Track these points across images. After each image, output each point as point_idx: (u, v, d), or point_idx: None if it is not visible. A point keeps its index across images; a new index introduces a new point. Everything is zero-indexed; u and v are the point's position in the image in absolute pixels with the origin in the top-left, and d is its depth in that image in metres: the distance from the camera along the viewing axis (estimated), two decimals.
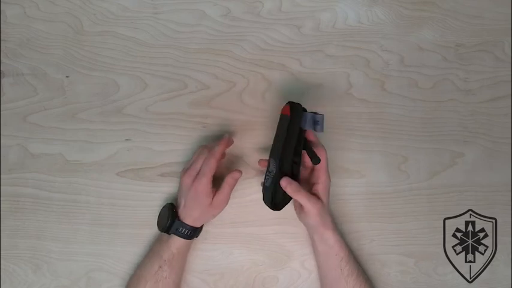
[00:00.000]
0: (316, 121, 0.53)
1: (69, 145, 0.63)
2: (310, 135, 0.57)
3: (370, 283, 0.61)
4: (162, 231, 0.57)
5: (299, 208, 0.57)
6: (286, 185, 0.53)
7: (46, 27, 0.64)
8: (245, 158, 0.63)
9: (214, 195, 0.56)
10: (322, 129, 0.53)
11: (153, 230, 0.62)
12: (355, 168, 0.64)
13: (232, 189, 0.57)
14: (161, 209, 0.60)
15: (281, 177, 0.53)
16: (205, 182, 0.55)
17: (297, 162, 0.55)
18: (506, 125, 0.65)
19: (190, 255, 0.62)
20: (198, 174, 0.56)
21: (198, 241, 0.62)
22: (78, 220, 0.62)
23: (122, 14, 0.64)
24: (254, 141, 0.64)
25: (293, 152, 0.54)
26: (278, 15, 0.65)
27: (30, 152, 0.63)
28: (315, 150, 0.55)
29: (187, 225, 0.56)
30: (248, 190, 0.63)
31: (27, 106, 0.63)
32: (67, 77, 0.64)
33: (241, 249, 0.63)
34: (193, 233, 0.57)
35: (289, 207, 0.63)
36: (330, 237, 0.56)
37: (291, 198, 0.55)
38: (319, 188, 0.55)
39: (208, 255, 0.63)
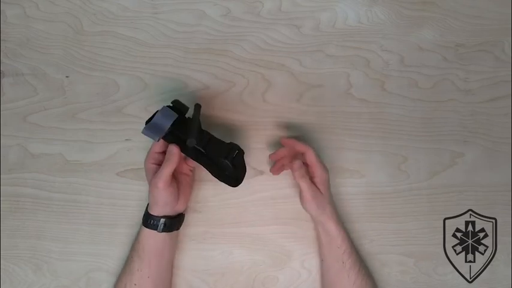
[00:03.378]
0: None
1: (69, 145, 0.63)
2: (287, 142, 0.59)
3: (372, 279, 0.61)
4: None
5: (300, 196, 0.58)
6: (298, 168, 0.55)
7: (46, 27, 0.64)
8: (245, 158, 0.63)
9: None
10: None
11: None
12: (355, 168, 0.64)
13: (171, 166, 0.53)
14: None
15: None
16: (147, 156, 0.57)
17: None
18: (506, 125, 0.65)
19: (191, 255, 0.62)
20: None
21: (198, 241, 0.62)
22: (78, 220, 0.62)
23: (122, 14, 0.64)
24: (254, 141, 0.64)
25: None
26: (278, 15, 0.65)
27: (30, 152, 0.63)
28: (299, 148, 0.57)
29: (150, 214, 0.56)
30: (248, 190, 0.63)
31: (27, 106, 0.63)
32: (67, 77, 0.64)
33: (241, 249, 0.63)
34: (154, 222, 0.55)
35: (290, 207, 0.63)
36: (332, 228, 0.57)
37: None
38: (316, 182, 0.57)
39: (208, 255, 0.63)
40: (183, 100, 0.55)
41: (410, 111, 0.65)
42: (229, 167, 0.55)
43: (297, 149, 0.58)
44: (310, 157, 0.57)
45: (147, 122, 0.54)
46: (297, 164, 0.55)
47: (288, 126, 0.64)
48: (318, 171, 0.57)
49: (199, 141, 0.53)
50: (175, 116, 0.54)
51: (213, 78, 0.64)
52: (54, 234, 0.62)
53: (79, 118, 0.63)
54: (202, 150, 0.55)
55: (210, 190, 0.63)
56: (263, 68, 0.64)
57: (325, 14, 0.65)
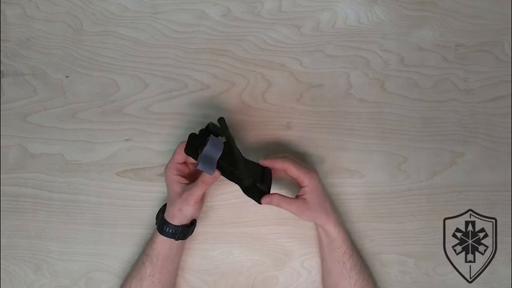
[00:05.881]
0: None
1: (69, 145, 0.63)
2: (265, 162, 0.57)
3: (374, 278, 0.61)
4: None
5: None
6: (269, 201, 0.55)
7: (46, 27, 0.64)
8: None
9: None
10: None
11: (152, 230, 0.62)
12: (355, 168, 0.64)
13: (205, 187, 0.54)
14: None
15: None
16: (169, 166, 0.56)
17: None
18: (506, 125, 0.65)
19: (191, 255, 0.62)
20: None
21: (198, 241, 0.62)
22: (78, 220, 0.62)
23: (122, 14, 0.64)
24: (253, 142, 0.64)
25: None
26: (278, 15, 0.65)
27: (30, 152, 0.63)
28: (278, 167, 0.56)
29: (168, 222, 0.56)
30: None
31: (27, 106, 0.63)
32: (67, 77, 0.64)
33: (241, 249, 0.63)
34: (172, 230, 0.56)
35: None
36: (331, 229, 0.57)
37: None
38: (305, 191, 0.56)
39: (208, 255, 0.63)
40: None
41: (410, 111, 0.65)
42: (266, 191, 0.56)
43: (277, 168, 0.57)
44: (292, 172, 0.56)
45: (190, 148, 0.53)
46: (265, 201, 0.55)
47: (288, 126, 0.64)
48: (305, 181, 0.56)
49: (244, 169, 0.54)
50: (222, 143, 0.54)
51: (213, 78, 0.64)
52: (54, 234, 0.62)
53: (79, 118, 0.63)
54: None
55: (210, 190, 0.63)
56: (263, 68, 0.64)
57: (325, 14, 0.65)
